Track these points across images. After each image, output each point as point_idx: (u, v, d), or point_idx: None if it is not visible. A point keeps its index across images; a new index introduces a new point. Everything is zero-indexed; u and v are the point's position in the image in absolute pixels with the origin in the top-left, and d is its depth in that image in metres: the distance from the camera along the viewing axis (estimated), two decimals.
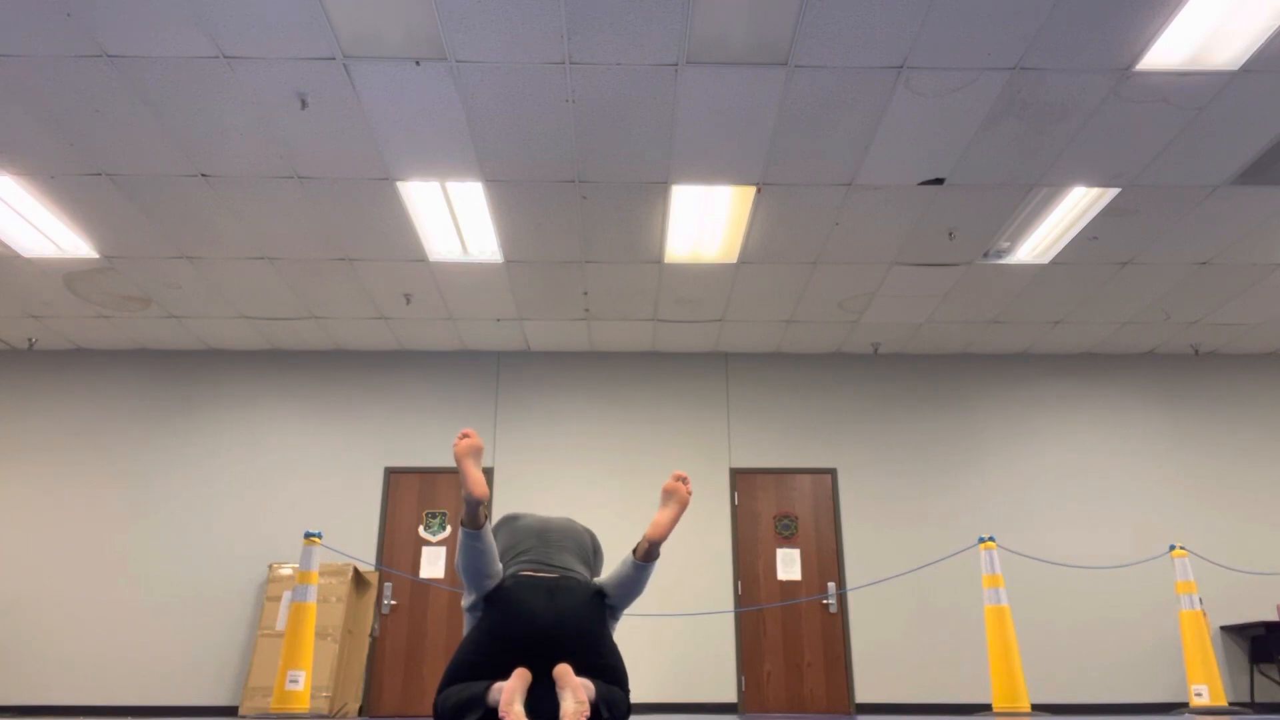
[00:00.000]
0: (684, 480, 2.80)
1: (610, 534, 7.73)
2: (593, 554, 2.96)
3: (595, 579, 2.86)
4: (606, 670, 2.56)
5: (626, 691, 2.61)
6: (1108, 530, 7.96)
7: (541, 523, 2.94)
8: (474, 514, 2.55)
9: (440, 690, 2.53)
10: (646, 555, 2.68)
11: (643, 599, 7.56)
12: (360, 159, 5.36)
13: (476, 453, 2.61)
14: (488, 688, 2.44)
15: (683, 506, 2.77)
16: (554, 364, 8.37)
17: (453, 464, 7.96)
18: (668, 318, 7.64)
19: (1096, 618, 7.70)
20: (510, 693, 2.32)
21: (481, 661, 2.51)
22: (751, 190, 5.72)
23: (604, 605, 2.70)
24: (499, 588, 2.61)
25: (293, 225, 6.10)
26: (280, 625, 7.16)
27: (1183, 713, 5.59)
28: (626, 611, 7.43)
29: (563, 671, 2.41)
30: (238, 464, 7.98)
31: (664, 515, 2.73)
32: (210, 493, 7.89)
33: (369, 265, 6.67)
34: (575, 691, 2.34)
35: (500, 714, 2.28)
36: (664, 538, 2.69)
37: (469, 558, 2.58)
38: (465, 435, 2.62)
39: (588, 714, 2.28)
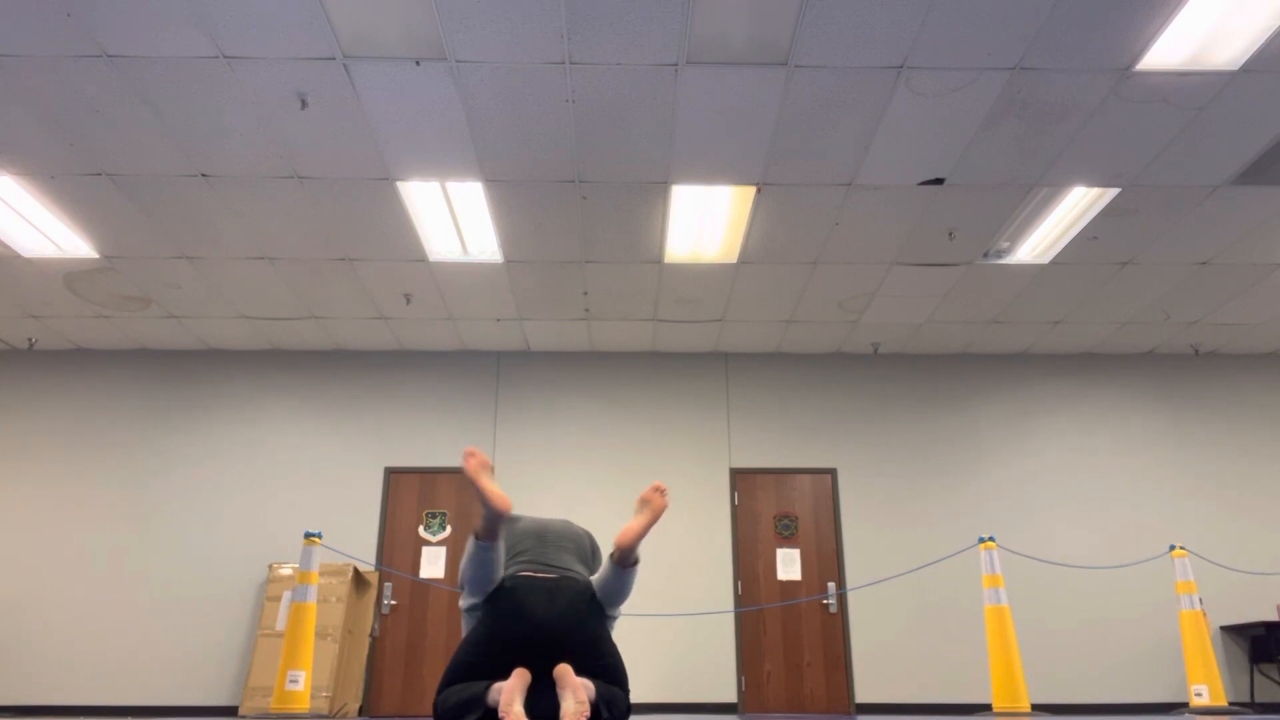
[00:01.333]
0: (661, 491, 2.79)
1: (610, 534, 7.71)
2: (591, 555, 2.96)
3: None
4: (606, 670, 2.56)
5: (626, 691, 2.61)
6: (1108, 530, 7.96)
7: (539, 524, 2.93)
8: (493, 528, 2.55)
9: (440, 690, 2.53)
10: (621, 560, 2.68)
11: (643, 599, 7.57)
12: (360, 159, 5.36)
13: (488, 469, 2.62)
14: (487, 688, 2.44)
15: (655, 516, 2.77)
16: (554, 364, 8.37)
17: (453, 464, 7.96)
18: (668, 318, 7.64)
19: (1096, 618, 7.70)
20: (510, 693, 2.32)
21: (481, 662, 2.51)
22: (751, 190, 5.72)
23: (602, 606, 2.70)
24: (499, 588, 2.61)
25: (293, 225, 6.10)
26: (280, 625, 7.16)
27: (1183, 713, 5.59)
28: (626, 611, 7.46)
29: (563, 671, 2.41)
30: (238, 464, 7.98)
31: (635, 523, 2.73)
32: (210, 493, 7.89)
33: (369, 265, 6.67)
34: (575, 691, 2.34)
35: (500, 714, 2.28)
36: (633, 545, 2.67)
37: (478, 568, 2.58)
38: (472, 454, 2.61)
39: (588, 714, 2.28)
